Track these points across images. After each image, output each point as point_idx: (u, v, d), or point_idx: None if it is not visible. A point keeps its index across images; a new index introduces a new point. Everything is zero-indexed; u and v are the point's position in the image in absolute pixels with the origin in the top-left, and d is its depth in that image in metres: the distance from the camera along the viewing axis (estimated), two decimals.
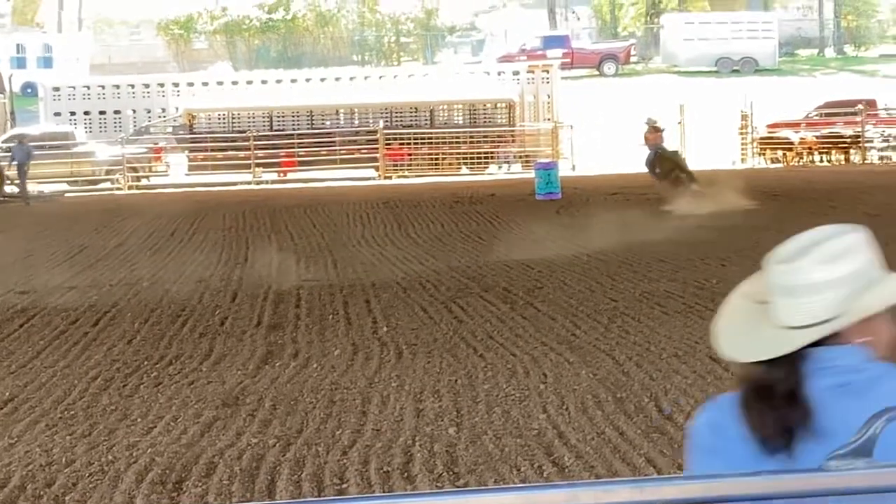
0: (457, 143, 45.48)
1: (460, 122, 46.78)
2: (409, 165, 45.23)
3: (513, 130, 46.36)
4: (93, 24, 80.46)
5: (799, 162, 43.97)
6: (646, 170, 31.59)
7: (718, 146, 44.67)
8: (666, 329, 13.83)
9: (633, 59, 74.33)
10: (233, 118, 46.35)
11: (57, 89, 49.51)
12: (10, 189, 39.08)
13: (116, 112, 48.67)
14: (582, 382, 11.48)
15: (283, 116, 46.57)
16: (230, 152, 45.13)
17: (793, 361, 2.88)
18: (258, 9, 77.97)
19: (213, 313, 16.34)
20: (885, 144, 44.50)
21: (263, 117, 46.29)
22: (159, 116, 48.35)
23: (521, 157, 45.41)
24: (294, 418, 10.64)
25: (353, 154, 45.29)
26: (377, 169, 44.64)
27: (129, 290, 18.71)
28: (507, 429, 10.03)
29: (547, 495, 2.42)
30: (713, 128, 46.27)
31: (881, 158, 44.07)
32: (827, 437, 2.79)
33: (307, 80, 49.82)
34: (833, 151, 44.49)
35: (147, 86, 49.55)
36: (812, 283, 2.88)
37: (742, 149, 45.73)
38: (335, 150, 45.24)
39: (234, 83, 50.08)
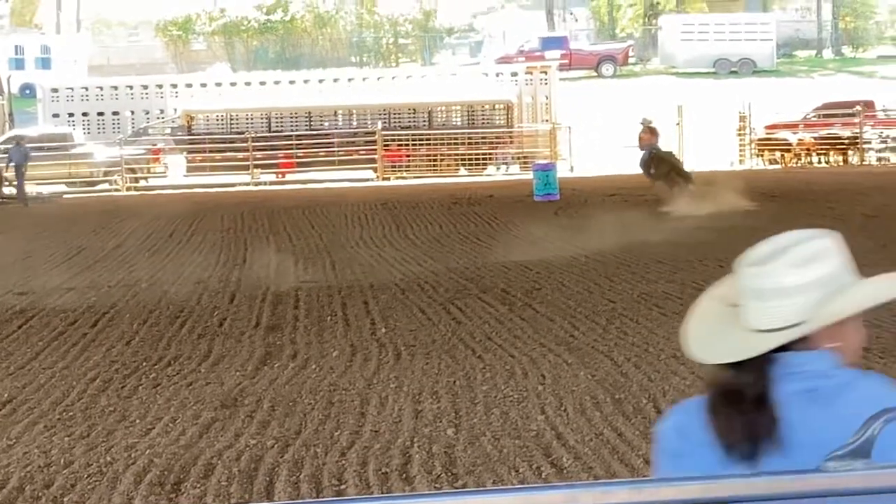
0: (455, 144, 45.50)
1: (458, 123, 46.78)
2: (408, 167, 45.23)
3: (511, 132, 46.37)
4: (91, 26, 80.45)
5: (797, 163, 43.97)
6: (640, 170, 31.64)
7: (716, 147, 44.68)
8: (664, 330, 13.82)
9: (631, 60, 74.34)
10: (231, 119, 46.34)
11: (55, 90, 49.49)
12: (7, 191, 39.07)
13: (115, 113, 48.65)
14: (580, 383, 11.49)
15: (281, 118, 46.57)
16: (228, 153, 45.12)
17: (761, 365, 2.86)
18: (256, 10, 77.97)
19: (212, 314, 16.34)
20: (883, 146, 44.52)
21: (262, 118, 46.29)
22: (157, 118, 48.33)
23: (519, 158, 45.42)
24: (292, 419, 10.65)
25: (351, 155, 45.29)
26: (375, 170, 44.64)
27: (128, 291, 18.71)
28: (506, 430, 10.03)
29: (545, 496, 2.43)
30: (711, 129, 46.27)
31: (879, 160, 44.08)
32: (792, 444, 2.80)
33: (305, 81, 49.80)
34: (831, 153, 44.52)
35: (145, 87, 49.54)
36: (783, 287, 2.88)
37: (740, 150, 45.74)
38: (333, 151, 45.24)
39: (233, 84, 50.06)
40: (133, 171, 44.10)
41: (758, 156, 45.39)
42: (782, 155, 44.58)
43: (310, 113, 46.53)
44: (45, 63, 69.11)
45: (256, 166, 44.57)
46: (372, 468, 9.16)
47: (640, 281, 17.80)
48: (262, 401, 11.34)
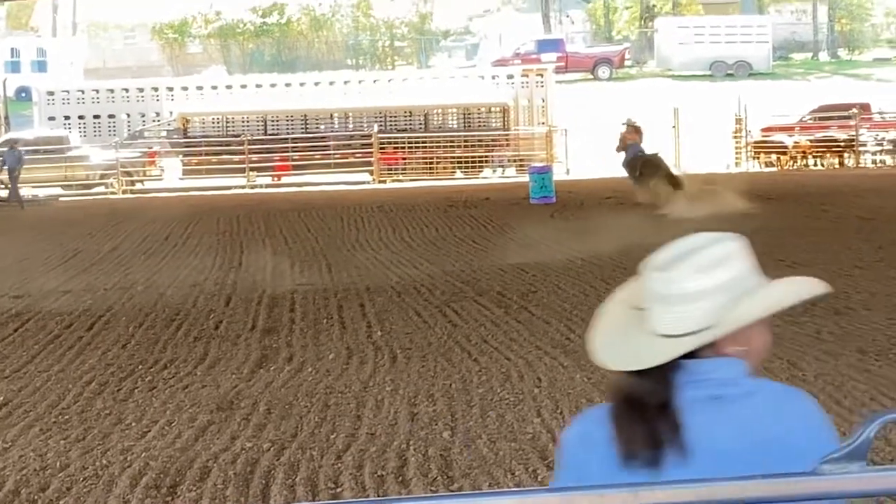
0: (451, 147, 45.53)
1: (455, 126, 46.81)
2: (404, 169, 45.25)
3: (507, 134, 46.39)
4: (87, 28, 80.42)
5: (793, 166, 44.01)
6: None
7: (712, 150, 44.70)
8: None
9: (627, 62, 74.43)
10: (227, 122, 46.35)
11: (51, 93, 49.50)
12: (1, 193, 39.06)
13: (111, 116, 48.66)
14: (576, 386, 11.48)
15: (277, 120, 46.58)
16: (224, 156, 45.14)
17: (665, 372, 2.83)
18: (252, 13, 78.00)
19: (208, 317, 16.33)
20: (879, 148, 44.55)
21: (258, 121, 46.31)
22: (153, 120, 48.35)
23: (515, 160, 45.44)
24: (288, 422, 10.64)
25: (347, 158, 45.32)
26: (371, 173, 44.66)
27: (124, 294, 18.70)
28: (502, 433, 10.03)
29: (541, 499, 2.43)
30: (707, 132, 46.31)
31: (875, 162, 44.12)
32: (696, 452, 2.78)
33: (301, 84, 49.82)
34: (827, 155, 44.54)
35: (141, 90, 49.56)
36: (687, 293, 2.85)
37: (736, 152, 45.78)
38: (329, 154, 45.28)
39: (229, 87, 50.06)
40: (129, 174, 44.10)
41: (754, 158, 45.43)
42: (778, 157, 44.61)
43: (306, 116, 46.55)
44: (41, 66, 69.10)
45: (252, 169, 44.59)
46: (368, 471, 9.16)
47: None
48: (258, 404, 11.33)
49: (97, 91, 49.76)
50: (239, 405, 11.32)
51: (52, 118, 48.37)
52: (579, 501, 2.29)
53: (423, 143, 45.43)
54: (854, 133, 44.39)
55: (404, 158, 45.39)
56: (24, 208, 37.11)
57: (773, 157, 44.88)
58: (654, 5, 79.34)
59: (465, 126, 46.60)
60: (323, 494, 8.71)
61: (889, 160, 43.86)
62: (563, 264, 20.07)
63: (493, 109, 46.85)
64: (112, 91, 49.56)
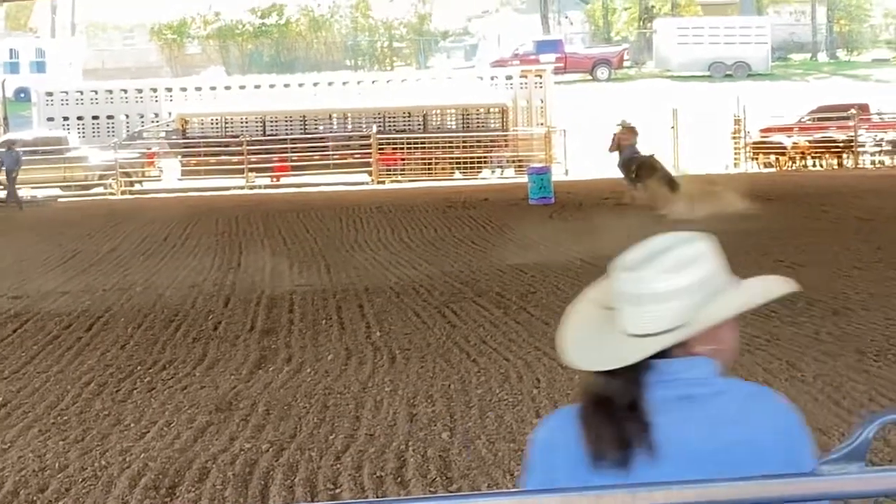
0: (450, 147, 45.52)
1: (453, 126, 46.80)
2: (403, 170, 45.24)
3: (506, 135, 46.38)
4: (86, 29, 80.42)
5: (792, 166, 44.02)
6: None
7: (711, 151, 44.72)
8: None
9: (626, 63, 74.45)
10: (226, 123, 46.33)
11: (50, 94, 49.47)
12: (0, 195, 39.06)
13: (109, 117, 48.63)
14: (575, 387, 11.48)
15: (276, 121, 46.56)
16: (223, 157, 45.11)
17: (636, 372, 2.83)
18: (251, 13, 78.00)
19: (207, 318, 16.33)
20: (878, 149, 44.56)
21: (256, 122, 46.29)
22: (152, 121, 48.33)
23: (514, 161, 45.44)
24: (287, 423, 10.64)
25: (346, 159, 45.30)
26: (370, 174, 44.66)
27: (123, 295, 18.69)
28: (501, 433, 10.03)
29: (540, 500, 2.43)
30: (706, 132, 46.32)
31: (874, 163, 44.13)
32: (665, 452, 2.78)
33: (300, 84, 49.81)
34: (826, 156, 44.55)
35: (140, 91, 49.54)
36: (657, 293, 2.85)
37: (735, 153, 45.78)
38: (328, 154, 45.26)
39: (227, 88, 50.05)
40: (128, 174, 44.08)
41: (752, 159, 45.43)
42: (777, 158, 44.62)
43: (304, 116, 46.54)
44: (39, 67, 69.08)
45: (251, 170, 44.58)
46: (367, 472, 9.16)
47: None
48: (256, 404, 11.33)
49: (96, 92, 49.74)
50: (238, 406, 11.32)
51: (50, 119, 48.35)
52: (577, 502, 2.29)
53: (422, 143, 45.43)
54: (853, 134, 44.41)
55: (403, 159, 45.39)
56: (22, 209, 37.09)
57: (772, 157, 44.88)
58: (652, 6, 79.36)
59: (463, 127, 46.59)
60: (322, 495, 8.71)
61: (888, 161, 43.87)
62: (562, 265, 20.06)
63: (491, 110, 46.85)
64: (111, 92, 49.54)
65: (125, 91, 49.57)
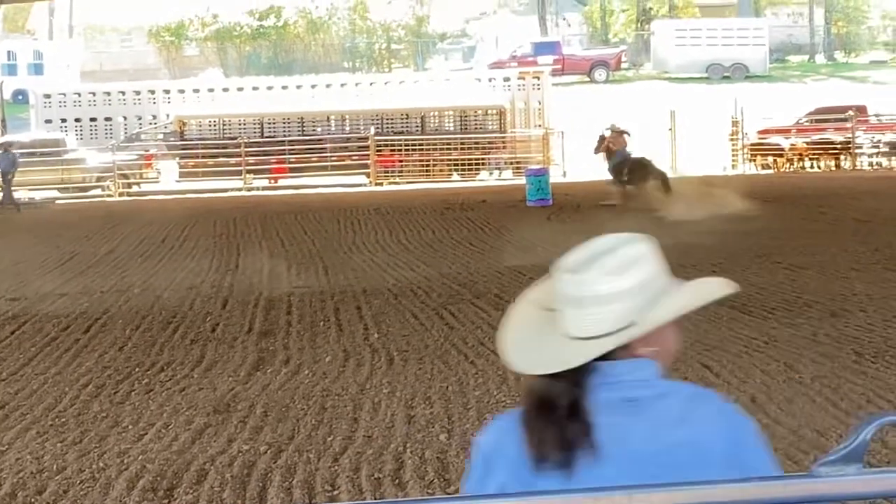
0: (448, 149, 45.52)
1: (451, 128, 46.80)
2: (400, 172, 45.26)
3: (504, 137, 46.39)
4: (84, 31, 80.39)
5: (789, 168, 44.03)
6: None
7: (709, 152, 44.72)
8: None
9: (623, 65, 74.45)
10: (224, 125, 46.32)
11: (48, 96, 49.47)
12: None
13: (107, 119, 48.63)
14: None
15: (273, 123, 46.55)
16: (221, 159, 45.11)
17: (578, 374, 2.82)
18: (249, 16, 77.97)
19: (205, 320, 16.33)
20: (875, 150, 44.57)
21: (254, 124, 46.28)
22: (150, 123, 48.32)
23: (511, 163, 45.45)
24: (285, 425, 10.64)
25: (344, 161, 45.29)
26: (368, 175, 44.66)
27: (120, 296, 18.69)
28: None
29: (539, 503, 2.43)
30: (704, 134, 46.33)
31: (871, 164, 44.15)
32: (608, 455, 2.77)
33: (298, 86, 49.81)
34: (823, 157, 44.56)
35: (138, 93, 49.54)
36: (599, 295, 2.84)
37: (732, 155, 45.78)
38: (326, 156, 45.26)
39: (225, 90, 50.04)
40: (125, 176, 44.08)
41: (750, 161, 45.44)
42: (775, 160, 44.63)
43: (302, 118, 46.53)
44: (37, 69, 69.06)
45: (249, 172, 44.58)
46: (365, 473, 9.16)
47: None
48: (254, 406, 11.33)
49: (94, 94, 49.73)
50: (236, 408, 11.31)
51: (48, 121, 48.33)
52: (575, 503, 2.29)
53: (420, 145, 45.43)
54: (850, 135, 44.42)
55: (401, 161, 45.39)
56: (20, 211, 37.08)
57: (770, 159, 44.89)
58: (650, 8, 79.37)
59: (461, 128, 46.60)
60: (320, 497, 8.71)
61: (885, 162, 43.89)
62: None
63: (489, 112, 46.85)
64: (108, 94, 49.53)
65: (123, 93, 49.56)
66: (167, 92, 49.44)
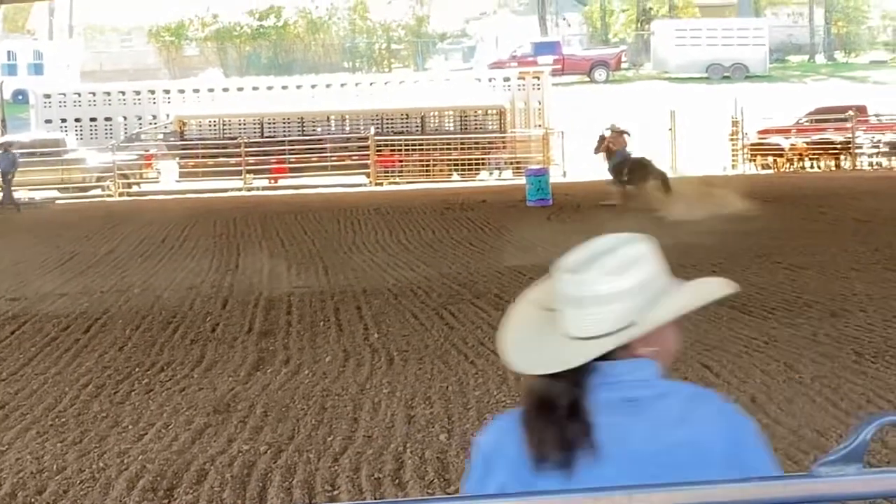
0: (448, 149, 45.52)
1: (451, 128, 46.80)
2: (400, 172, 45.26)
3: (504, 137, 46.38)
4: (84, 31, 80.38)
5: (789, 168, 44.03)
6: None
7: (709, 152, 44.72)
8: None
9: (623, 65, 74.45)
10: (224, 125, 46.31)
11: (48, 96, 49.46)
12: None
13: (107, 119, 48.62)
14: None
15: (273, 123, 46.55)
16: (221, 159, 45.11)
17: (579, 374, 2.82)
18: (249, 16, 77.97)
19: (205, 320, 16.33)
20: (876, 150, 44.57)
21: (254, 124, 46.28)
22: (150, 123, 48.32)
23: (511, 163, 45.45)
24: (285, 425, 10.64)
25: (344, 161, 45.29)
26: (368, 175, 44.66)
27: (121, 296, 18.69)
28: None
29: (540, 502, 2.43)
30: (704, 134, 46.32)
31: (871, 164, 44.15)
32: (608, 454, 2.77)
33: (298, 86, 49.81)
34: (823, 157, 44.56)
35: (138, 93, 49.53)
36: (599, 296, 2.84)
37: (732, 155, 45.78)
38: (326, 156, 45.26)
39: (225, 90, 50.04)
40: (125, 176, 44.08)
41: (750, 161, 45.43)
42: (775, 160, 44.63)
43: (302, 118, 46.53)
44: (37, 69, 69.05)
45: (249, 172, 44.57)
46: (365, 473, 9.16)
47: None
48: (254, 406, 11.33)
49: (94, 94, 49.72)
50: (236, 408, 11.31)
51: (48, 121, 48.33)
52: (575, 503, 2.29)
53: (420, 145, 45.43)
54: (850, 135, 44.42)
55: (401, 161, 45.39)
56: (20, 211, 37.09)
57: (770, 159, 44.89)
58: (650, 8, 79.37)
59: (461, 129, 46.59)
60: (320, 497, 8.71)
61: (885, 162, 43.89)
62: None
63: (489, 112, 46.84)
64: (108, 94, 49.53)
65: (123, 93, 49.56)
66: (167, 92, 49.44)
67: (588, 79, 70.96)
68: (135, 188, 44.58)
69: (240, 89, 49.92)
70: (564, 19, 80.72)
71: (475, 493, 2.87)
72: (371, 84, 51.38)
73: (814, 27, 79.16)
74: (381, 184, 44.12)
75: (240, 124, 46.16)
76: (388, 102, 47.24)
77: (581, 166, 43.88)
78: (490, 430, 2.98)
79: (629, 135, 32.51)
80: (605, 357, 2.84)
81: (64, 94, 49.72)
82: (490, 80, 50.55)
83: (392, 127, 46.29)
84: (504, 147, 46.30)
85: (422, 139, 45.54)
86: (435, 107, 46.94)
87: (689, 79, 69.02)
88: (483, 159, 45.72)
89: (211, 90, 49.76)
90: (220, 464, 9.47)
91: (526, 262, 20.73)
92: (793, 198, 31.64)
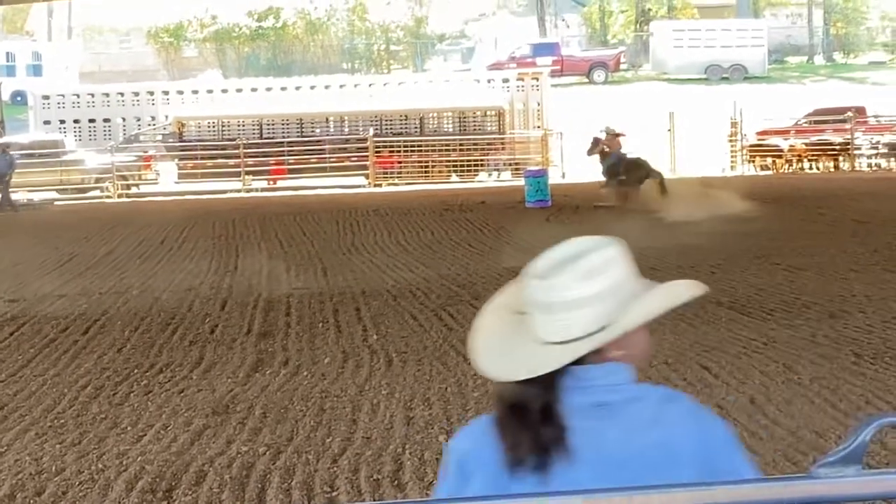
0: (447, 150, 45.51)
1: (450, 129, 46.78)
2: (399, 173, 45.24)
3: (503, 138, 46.37)
4: (82, 32, 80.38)
5: (788, 169, 44.03)
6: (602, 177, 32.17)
7: (708, 154, 44.72)
8: (656, 336, 13.77)
9: (622, 66, 74.44)
10: (222, 126, 46.30)
11: (46, 97, 49.44)
12: None
13: (106, 120, 48.60)
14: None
15: (272, 124, 46.54)
16: (220, 160, 45.09)
17: (551, 378, 2.82)
18: (248, 17, 77.96)
19: (203, 321, 16.32)
20: (874, 151, 44.57)
21: (253, 125, 46.26)
22: (149, 124, 48.30)
23: (510, 164, 45.44)
24: (284, 426, 10.64)
25: (342, 162, 45.28)
26: (367, 177, 44.65)
27: (119, 298, 18.69)
28: None
29: (537, 503, 2.43)
30: (703, 135, 46.31)
31: (870, 165, 44.15)
32: (581, 458, 2.77)
33: (297, 87, 49.80)
34: (822, 158, 44.56)
35: (137, 94, 49.52)
36: (568, 301, 2.84)
37: (731, 156, 45.77)
38: (325, 157, 45.24)
39: (224, 91, 50.03)
40: (124, 177, 44.07)
41: (749, 162, 45.43)
42: (773, 161, 44.63)
43: (301, 120, 46.52)
44: (36, 70, 69.04)
45: (248, 173, 44.57)
46: (364, 475, 9.16)
47: None
48: (253, 407, 11.33)
49: (92, 95, 49.71)
50: (235, 409, 11.31)
51: (47, 122, 48.30)
52: None
53: (419, 146, 45.42)
54: (849, 136, 44.42)
55: (400, 162, 45.38)
56: (18, 212, 37.08)
57: (769, 160, 44.89)
58: (649, 9, 79.36)
59: (460, 130, 46.58)
60: (319, 498, 8.71)
61: (884, 163, 43.89)
62: None
63: (488, 113, 46.84)
64: (107, 95, 49.52)
65: (122, 94, 49.54)
66: (166, 93, 49.43)
67: (587, 80, 70.96)
68: (133, 190, 44.56)
69: (239, 90, 49.92)
70: (563, 20, 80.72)
71: (454, 497, 2.85)
72: (370, 85, 51.38)
73: (813, 28, 79.17)
74: (380, 185, 44.11)
75: (239, 125, 46.15)
76: (386, 103, 47.22)
77: (580, 167, 43.88)
78: (463, 436, 2.98)
79: (624, 136, 32.55)
80: (577, 361, 2.83)
81: (63, 96, 49.71)
82: (489, 81, 50.54)
83: (391, 128, 46.28)
84: (503, 148, 46.29)
85: (421, 140, 45.54)
86: (434, 108, 46.94)
87: (687, 80, 69.02)
88: (482, 160, 45.71)
89: (210, 91, 49.75)
90: (218, 465, 9.47)
91: (525, 263, 20.50)
92: (792, 199, 31.64)
